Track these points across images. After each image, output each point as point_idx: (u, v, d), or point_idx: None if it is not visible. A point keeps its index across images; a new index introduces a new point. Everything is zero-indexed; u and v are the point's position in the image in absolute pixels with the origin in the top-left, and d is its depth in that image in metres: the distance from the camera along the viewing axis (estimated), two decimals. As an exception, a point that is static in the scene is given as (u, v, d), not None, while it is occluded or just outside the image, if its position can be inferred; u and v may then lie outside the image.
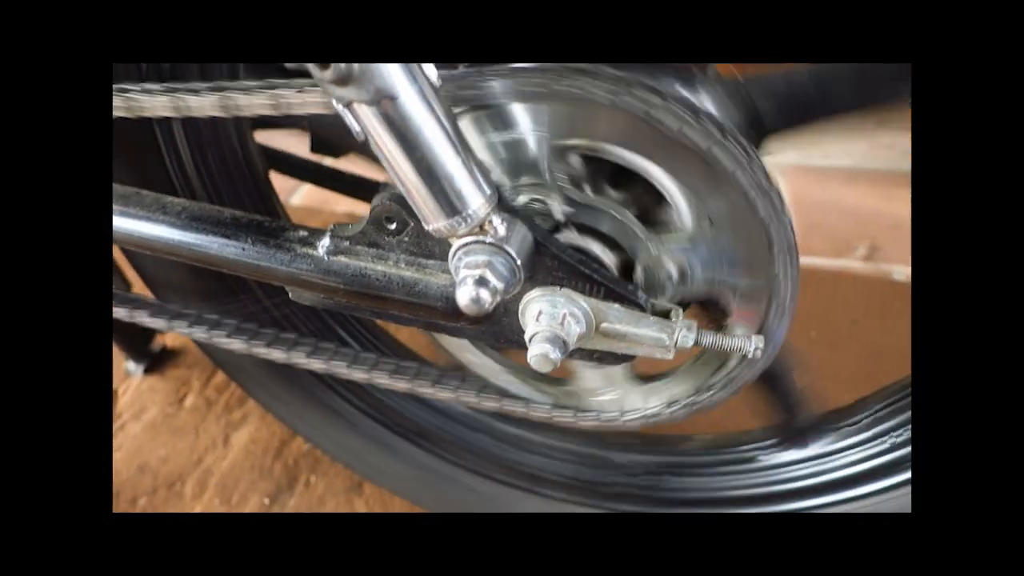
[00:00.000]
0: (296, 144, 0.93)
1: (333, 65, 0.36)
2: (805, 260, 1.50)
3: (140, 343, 1.26)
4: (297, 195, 1.62)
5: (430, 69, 0.40)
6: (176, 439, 1.15)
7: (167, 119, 0.62)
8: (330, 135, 0.88)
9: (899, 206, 1.59)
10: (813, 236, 1.51)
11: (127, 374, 1.25)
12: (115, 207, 0.54)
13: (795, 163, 1.77)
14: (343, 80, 0.37)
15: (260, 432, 1.15)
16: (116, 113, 0.51)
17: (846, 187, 1.69)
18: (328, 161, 0.96)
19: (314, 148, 0.91)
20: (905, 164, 1.51)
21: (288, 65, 0.61)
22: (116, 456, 1.12)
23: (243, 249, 0.52)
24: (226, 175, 0.69)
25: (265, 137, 0.83)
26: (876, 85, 0.52)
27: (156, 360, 1.27)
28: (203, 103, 0.47)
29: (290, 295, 0.54)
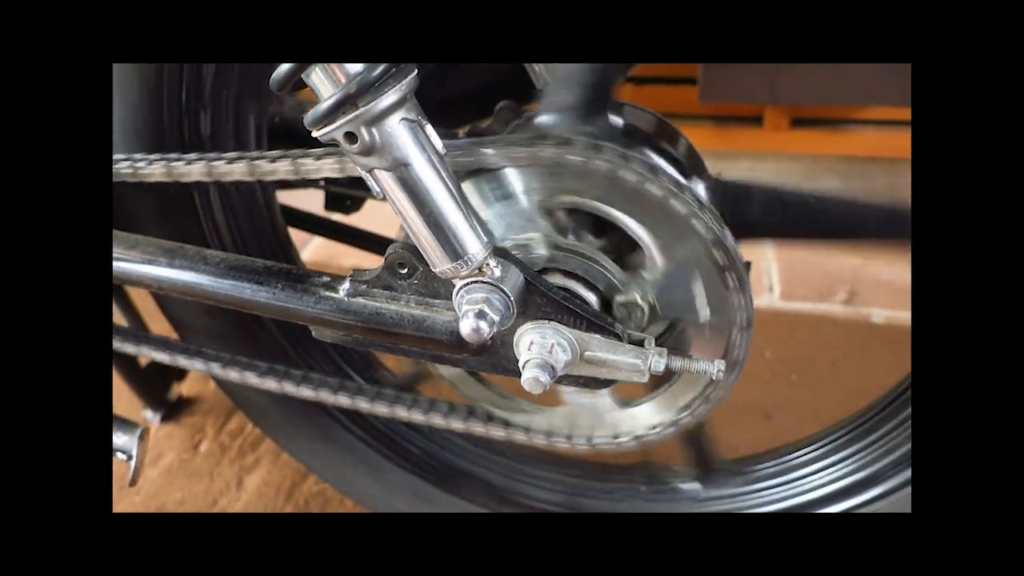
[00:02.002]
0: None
1: (360, 139, 0.45)
2: (789, 305, 1.57)
3: (157, 393, 1.32)
4: (306, 251, 1.71)
5: (436, 140, 0.49)
6: (192, 483, 1.21)
7: (204, 184, 0.71)
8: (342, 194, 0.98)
9: (877, 255, 1.68)
10: (796, 283, 1.59)
11: (145, 422, 1.32)
12: (162, 259, 0.62)
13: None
14: (367, 151, 0.46)
15: (272, 475, 1.21)
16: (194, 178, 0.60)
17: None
18: (337, 217, 1.05)
19: (328, 206, 1.01)
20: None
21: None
22: (135, 500, 1.18)
23: (273, 294, 0.60)
24: (253, 232, 0.78)
25: (283, 197, 0.92)
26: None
27: (172, 409, 1.34)
28: (276, 168, 0.57)
29: (313, 333, 0.62)
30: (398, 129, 0.46)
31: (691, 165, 0.64)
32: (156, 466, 1.24)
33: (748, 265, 0.57)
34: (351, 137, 0.45)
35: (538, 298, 0.54)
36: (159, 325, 0.89)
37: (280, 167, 0.56)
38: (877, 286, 1.57)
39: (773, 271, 1.63)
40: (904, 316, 1.47)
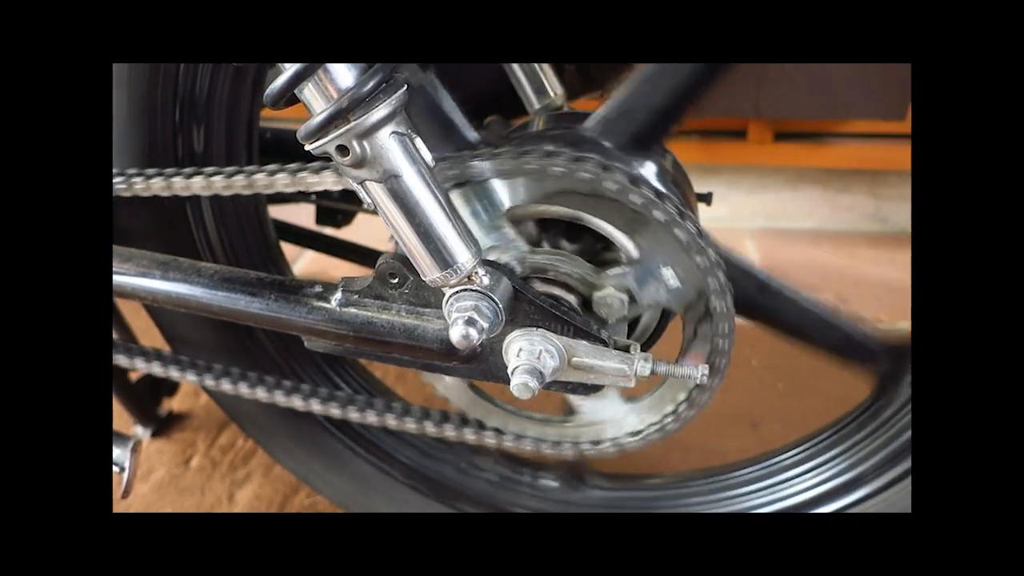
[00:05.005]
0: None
1: (351, 152, 0.46)
2: (775, 315, 1.57)
3: (148, 408, 1.32)
4: (298, 265, 1.72)
5: (425, 152, 0.50)
6: (183, 498, 1.21)
7: (197, 198, 0.72)
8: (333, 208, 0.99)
9: (861, 263, 1.71)
10: (782, 293, 1.62)
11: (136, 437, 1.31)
12: (156, 272, 0.64)
13: (764, 226, 1.90)
14: (359, 163, 0.47)
15: (263, 489, 1.21)
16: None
17: (812, 247, 1.81)
18: (328, 231, 1.07)
19: (319, 220, 1.02)
20: (864, 225, 1.63)
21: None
22: (125, 515, 1.18)
23: (266, 305, 0.61)
24: (245, 245, 0.79)
25: (275, 211, 0.93)
26: None
27: (163, 424, 1.34)
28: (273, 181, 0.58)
29: (305, 343, 0.63)
30: (388, 142, 0.47)
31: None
32: (147, 481, 1.24)
33: (709, 195, 0.59)
34: (343, 150, 0.46)
35: (526, 306, 0.56)
36: (149, 340, 0.90)
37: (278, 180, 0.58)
38: (862, 294, 1.60)
39: (759, 281, 1.65)
40: (888, 323, 1.50)
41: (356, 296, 0.59)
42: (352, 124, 0.45)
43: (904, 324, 1.47)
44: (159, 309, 0.76)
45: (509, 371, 0.56)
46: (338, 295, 0.60)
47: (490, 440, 0.70)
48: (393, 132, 0.47)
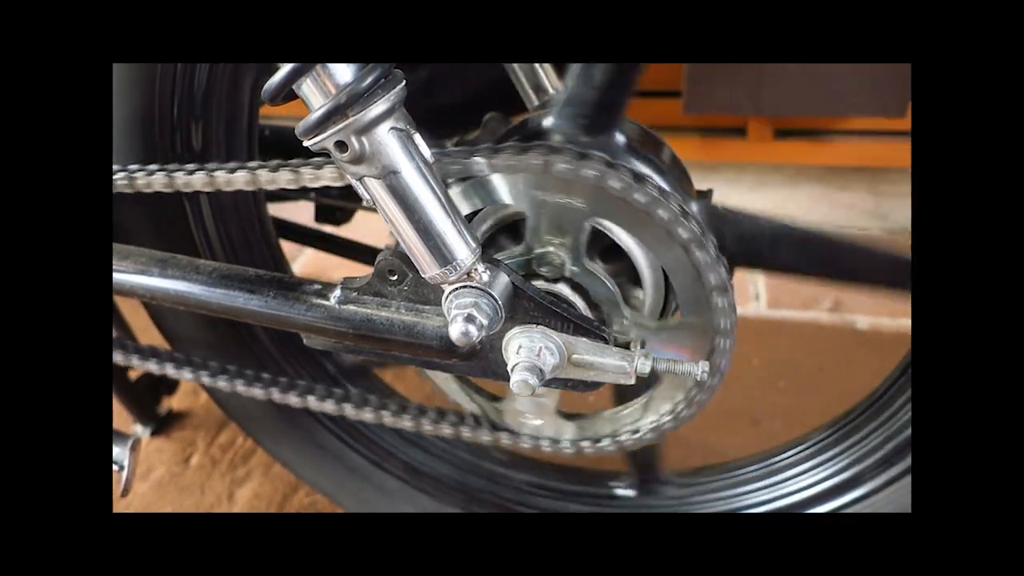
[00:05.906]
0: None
1: (350, 147, 0.46)
2: (775, 313, 1.59)
3: (148, 407, 1.32)
4: (297, 263, 1.72)
5: (424, 148, 0.50)
6: (183, 496, 1.21)
7: (196, 196, 0.72)
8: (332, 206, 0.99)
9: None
10: (782, 291, 1.61)
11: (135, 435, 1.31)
12: (154, 270, 0.63)
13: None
14: (357, 160, 0.47)
15: (263, 487, 1.21)
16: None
17: (812, 245, 1.80)
18: (327, 228, 1.06)
19: (318, 217, 1.02)
20: (864, 222, 1.62)
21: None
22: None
23: (265, 302, 0.61)
24: (244, 243, 0.79)
25: (274, 208, 0.93)
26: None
27: (163, 423, 1.34)
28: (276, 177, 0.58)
29: (304, 341, 0.63)
30: (387, 138, 0.47)
31: (683, 187, 0.65)
32: (147, 480, 1.24)
33: (710, 192, 0.60)
34: (341, 146, 0.46)
35: (526, 302, 0.55)
36: (147, 338, 0.90)
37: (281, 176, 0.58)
38: (861, 294, 1.59)
39: (759, 280, 1.65)
40: (888, 323, 1.49)
41: (355, 293, 0.59)
42: (351, 120, 0.45)
43: (905, 321, 1.47)
44: (158, 306, 0.76)
45: (509, 368, 0.56)
46: (337, 292, 0.59)
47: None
48: (392, 128, 0.47)
